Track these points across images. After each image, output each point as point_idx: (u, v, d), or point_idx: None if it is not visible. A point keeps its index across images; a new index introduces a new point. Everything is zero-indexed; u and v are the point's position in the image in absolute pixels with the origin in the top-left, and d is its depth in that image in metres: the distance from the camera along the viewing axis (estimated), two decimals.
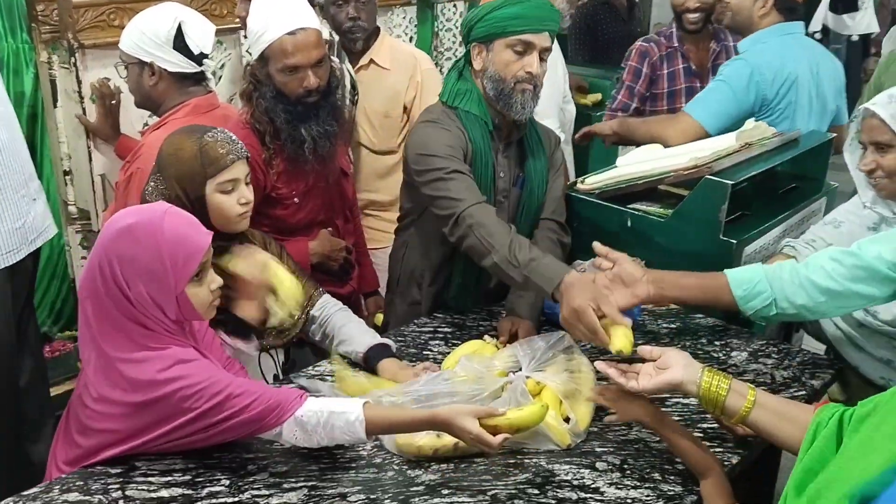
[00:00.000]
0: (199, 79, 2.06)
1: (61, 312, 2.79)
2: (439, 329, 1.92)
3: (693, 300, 1.73)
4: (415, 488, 1.37)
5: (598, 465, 1.43)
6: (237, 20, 2.54)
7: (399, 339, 1.83)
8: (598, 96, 3.62)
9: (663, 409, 1.57)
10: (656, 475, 1.40)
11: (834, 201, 2.21)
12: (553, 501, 1.34)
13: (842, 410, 1.10)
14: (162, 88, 2.02)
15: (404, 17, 3.31)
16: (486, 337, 1.79)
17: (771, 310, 1.54)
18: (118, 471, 1.38)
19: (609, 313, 1.45)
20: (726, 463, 1.43)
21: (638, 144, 2.35)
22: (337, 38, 2.47)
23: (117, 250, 1.32)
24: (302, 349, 1.95)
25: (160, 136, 1.75)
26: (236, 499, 1.34)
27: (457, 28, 3.51)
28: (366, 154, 2.60)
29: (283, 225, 2.04)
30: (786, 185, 2.26)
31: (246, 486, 1.37)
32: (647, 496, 1.35)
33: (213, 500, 1.34)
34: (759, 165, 2.04)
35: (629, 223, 2.04)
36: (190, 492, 1.35)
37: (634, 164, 2.16)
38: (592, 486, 1.38)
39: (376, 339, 1.72)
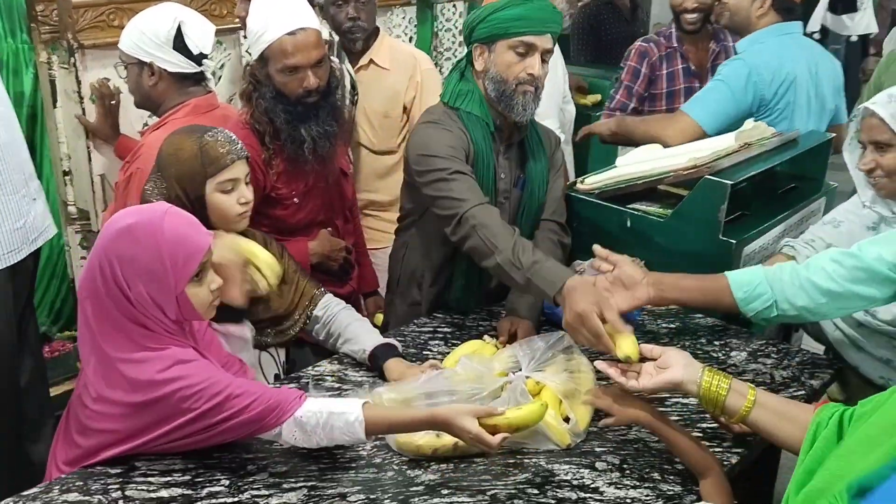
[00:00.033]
0: (198, 79, 2.06)
1: (60, 312, 2.79)
2: (439, 329, 1.92)
3: (693, 302, 1.73)
4: (414, 488, 1.37)
5: (598, 464, 1.43)
6: (237, 20, 2.54)
7: (399, 338, 1.83)
8: (598, 97, 3.63)
9: (662, 409, 1.58)
10: (656, 475, 1.41)
11: (833, 201, 2.22)
12: (553, 501, 1.34)
13: (841, 410, 1.10)
14: (161, 89, 2.02)
15: (404, 18, 3.31)
16: (485, 337, 1.79)
17: (772, 311, 1.54)
18: (118, 471, 1.38)
19: (611, 319, 1.45)
20: (726, 463, 1.43)
21: (636, 144, 2.35)
22: (337, 38, 2.47)
23: (117, 250, 1.32)
24: (302, 349, 1.95)
25: (160, 137, 1.75)
26: (236, 499, 1.34)
27: (456, 28, 3.51)
28: (365, 154, 2.60)
29: (282, 225, 2.04)
30: (785, 185, 2.26)
31: (245, 486, 1.37)
32: (647, 496, 1.35)
33: (213, 500, 1.34)
34: (759, 165, 2.04)
35: (629, 223, 2.05)
36: (189, 492, 1.35)
37: (634, 164, 2.17)
38: (592, 485, 1.38)
39: (381, 338, 1.73)
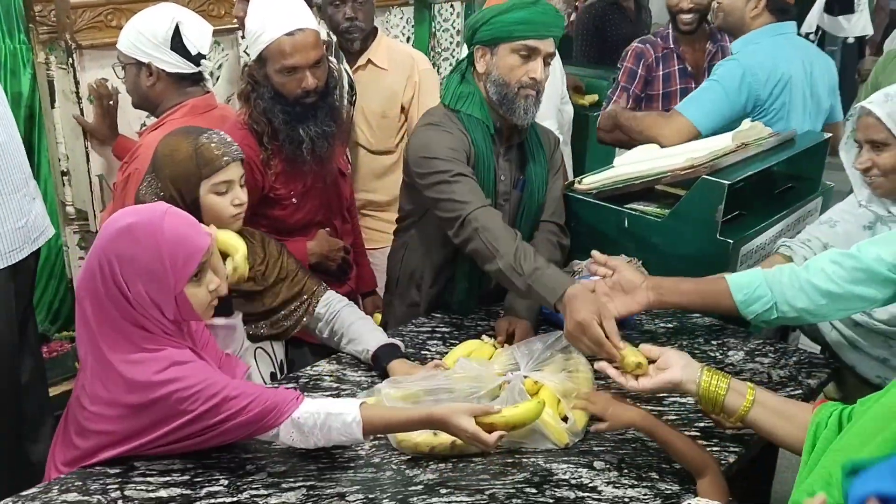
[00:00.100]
0: (196, 79, 2.06)
1: (59, 313, 2.79)
2: (437, 329, 1.92)
3: (693, 306, 1.74)
4: (413, 488, 1.38)
5: (596, 464, 1.44)
6: (235, 21, 2.54)
7: (397, 339, 1.82)
8: (595, 97, 3.63)
9: (660, 409, 1.58)
10: (654, 474, 1.41)
11: (830, 201, 2.22)
12: (551, 500, 1.35)
13: (840, 409, 1.11)
14: (159, 89, 2.02)
15: (402, 18, 3.31)
16: (483, 337, 1.79)
17: (772, 314, 1.55)
18: (117, 471, 1.38)
19: (609, 330, 1.45)
20: (723, 462, 1.43)
21: (633, 145, 2.36)
22: (334, 38, 2.47)
23: (116, 250, 1.32)
24: (300, 349, 1.95)
25: (158, 137, 1.75)
26: (235, 499, 1.34)
27: (454, 28, 3.51)
28: (363, 154, 2.61)
29: (281, 225, 2.04)
30: (782, 185, 2.27)
31: (244, 486, 1.37)
32: (645, 495, 1.36)
33: (212, 500, 1.34)
34: (756, 165, 2.05)
35: (626, 223, 2.05)
36: (189, 492, 1.35)
37: (631, 164, 2.17)
38: (590, 485, 1.38)
39: (384, 338, 1.73)
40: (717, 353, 1.79)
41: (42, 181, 2.54)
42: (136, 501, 1.32)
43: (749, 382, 1.32)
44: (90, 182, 2.42)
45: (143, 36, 1.97)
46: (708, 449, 1.44)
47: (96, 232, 2.25)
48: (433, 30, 3.45)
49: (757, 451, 1.55)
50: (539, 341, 1.64)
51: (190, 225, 1.38)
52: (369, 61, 2.56)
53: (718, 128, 2.29)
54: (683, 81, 2.83)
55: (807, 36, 4.88)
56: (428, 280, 1.97)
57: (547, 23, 1.76)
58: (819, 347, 1.94)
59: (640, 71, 2.82)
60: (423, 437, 1.44)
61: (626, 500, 1.35)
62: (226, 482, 1.38)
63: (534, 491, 1.37)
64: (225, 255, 1.59)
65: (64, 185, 2.50)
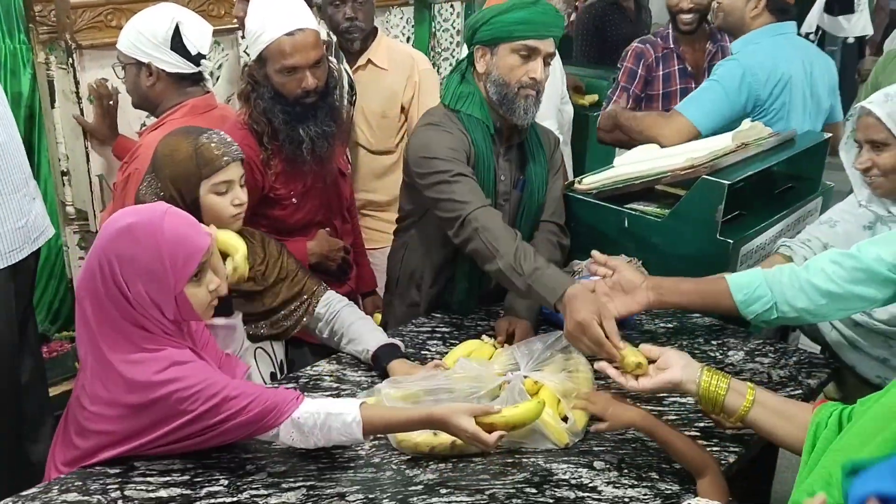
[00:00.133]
0: (196, 79, 2.06)
1: (59, 313, 2.79)
2: (437, 329, 1.92)
3: (693, 306, 1.74)
4: (413, 488, 1.38)
5: (596, 464, 1.44)
6: (235, 21, 2.54)
7: (397, 339, 1.82)
8: (595, 97, 3.63)
9: (660, 409, 1.58)
10: (654, 474, 1.41)
11: (830, 201, 2.22)
12: (551, 500, 1.35)
13: (840, 409, 1.11)
14: (159, 89, 2.02)
15: (402, 18, 3.31)
16: (483, 337, 1.79)
17: (772, 314, 1.55)
18: (117, 471, 1.38)
19: (609, 330, 1.45)
20: (723, 462, 1.43)
21: (633, 146, 2.36)
22: (334, 38, 2.48)
23: (116, 250, 1.32)
24: (300, 349, 1.95)
25: (158, 137, 1.75)
26: (235, 499, 1.34)
27: (454, 28, 3.51)
28: (363, 154, 2.61)
29: (281, 225, 2.04)
30: (782, 185, 2.27)
31: (244, 486, 1.37)
32: (645, 495, 1.36)
33: (212, 500, 1.34)
34: (756, 165, 2.05)
35: (626, 223, 2.05)
36: (188, 492, 1.35)
37: (631, 164, 2.17)
38: (590, 485, 1.38)
39: (384, 338, 1.73)
40: (717, 353, 1.79)
41: (42, 181, 2.54)
42: (136, 501, 1.32)
43: (749, 382, 1.32)
44: (90, 182, 2.42)
45: (143, 36, 1.97)
46: (708, 449, 1.44)
47: (96, 232, 2.25)
48: (433, 30, 3.45)
49: (757, 451, 1.55)
50: (539, 341, 1.64)
51: (190, 225, 1.38)
52: (369, 61, 2.56)
53: (718, 128, 2.29)
54: (683, 81, 2.84)
55: (807, 36, 4.88)
56: (428, 280, 1.97)
57: (547, 23, 1.76)
58: (819, 347, 1.94)
59: (640, 71, 2.82)
60: (423, 437, 1.44)
61: (626, 500, 1.35)
62: (226, 482, 1.38)
63: (534, 491, 1.37)
64: (225, 255, 1.59)
65: (64, 185, 2.50)
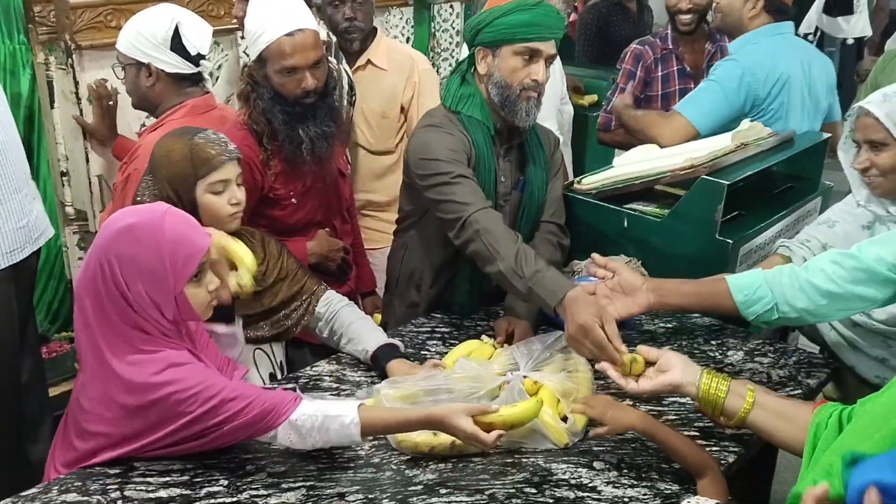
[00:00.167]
0: (196, 80, 2.06)
1: (58, 313, 2.79)
2: (437, 329, 1.92)
3: (694, 307, 1.74)
4: (413, 488, 1.38)
5: (596, 464, 1.44)
6: (234, 21, 2.54)
7: (397, 338, 1.83)
8: (595, 97, 3.63)
9: (660, 409, 1.58)
10: (653, 474, 1.41)
11: (829, 201, 2.22)
12: (551, 500, 1.35)
13: (840, 409, 1.11)
14: (159, 89, 2.02)
15: (401, 18, 3.31)
16: (483, 337, 1.80)
17: (772, 314, 1.55)
18: (116, 471, 1.38)
19: (610, 333, 1.45)
20: (723, 462, 1.43)
21: (629, 148, 2.36)
22: (334, 38, 2.48)
23: (117, 249, 1.32)
24: (300, 349, 1.95)
25: (157, 138, 1.75)
26: (234, 499, 1.34)
27: (453, 29, 3.51)
28: (363, 154, 2.61)
29: (280, 225, 2.04)
30: (781, 185, 2.28)
31: (244, 487, 1.37)
32: (644, 494, 1.36)
33: (212, 501, 1.34)
34: (755, 165, 2.05)
35: (626, 223, 2.05)
36: (188, 492, 1.35)
37: (631, 164, 2.17)
38: (590, 484, 1.38)
39: (384, 338, 1.73)
40: (717, 353, 1.80)
41: (41, 182, 2.54)
42: (135, 502, 1.32)
43: (749, 385, 1.32)
44: (90, 182, 2.42)
45: (143, 36, 1.97)
46: (707, 449, 1.44)
47: (96, 232, 2.25)
48: (432, 30, 3.45)
49: (756, 450, 1.55)
50: (538, 341, 1.65)
51: (190, 225, 1.38)
52: (369, 61, 2.56)
53: (717, 128, 2.30)
54: (682, 82, 2.84)
55: (805, 37, 4.89)
56: (427, 280, 1.97)
57: (549, 25, 1.76)
58: (818, 348, 1.94)
59: (638, 72, 2.82)
60: (422, 438, 1.44)
61: (626, 499, 1.35)
62: (225, 482, 1.38)
63: (533, 491, 1.37)
64: (233, 265, 1.60)
65: (63, 185, 2.49)
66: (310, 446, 1.39)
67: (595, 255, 1.69)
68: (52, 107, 2.41)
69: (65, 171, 2.48)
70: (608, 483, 1.39)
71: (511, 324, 1.79)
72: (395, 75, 2.56)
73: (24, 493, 1.35)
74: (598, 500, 1.35)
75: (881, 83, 2.73)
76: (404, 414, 1.40)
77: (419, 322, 1.95)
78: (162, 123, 2.00)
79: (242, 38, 2.56)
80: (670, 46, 2.83)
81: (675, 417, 1.56)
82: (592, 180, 2.15)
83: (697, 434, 1.51)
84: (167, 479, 1.37)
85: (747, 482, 1.73)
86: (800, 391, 1.66)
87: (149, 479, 1.37)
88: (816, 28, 5.22)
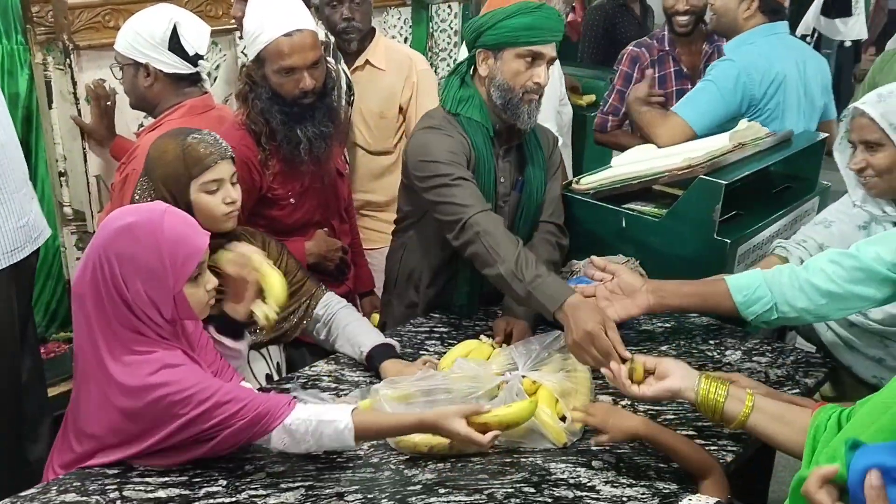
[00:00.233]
0: (194, 80, 2.06)
1: (56, 314, 2.78)
2: (435, 329, 1.93)
3: (694, 308, 1.75)
4: (412, 487, 1.38)
5: (594, 463, 1.44)
6: (232, 21, 2.54)
7: (395, 338, 1.83)
8: (593, 97, 3.64)
9: (659, 408, 1.59)
10: (652, 473, 1.41)
11: (827, 201, 2.23)
12: (549, 500, 1.35)
13: (839, 411, 1.11)
14: (157, 90, 2.02)
15: (399, 18, 3.31)
16: (482, 337, 1.80)
17: (772, 314, 1.55)
18: (115, 472, 1.38)
19: (613, 339, 1.46)
20: (721, 461, 1.43)
21: (624, 149, 2.37)
22: (332, 39, 2.48)
23: (116, 248, 1.32)
24: (299, 349, 1.95)
25: (155, 138, 1.75)
26: (233, 499, 1.34)
27: (452, 29, 3.51)
28: (361, 155, 2.61)
29: (279, 226, 2.04)
30: (779, 185, 2.28)
31: (243, 487, 1.37)
32: (643, 494, 1.36)
33: (211, 501, 1.34)
34: (753, 165, 2.06)
35: (624, 223, 2.06)
36: (187, 492, 1.35)
37: (629, 164, 2.18)
38: (588, 484, 1.39)
39: (380, 338, 1.73)
40: (715, 353, 1.80)
41: (39, 182, 2.54)
42: (134, 502, 1.32)
43: (748, 388, 1.32)
44: (88, 183, 2.41)
45: (141, 36, 1.97)
46: (705, 448, 1.44)
47: (94, 233, 2.25)
48: (430, 30, 3.45)
49: (754, 450, 1.55)
50: (537, 341, 1.65)
51: (189, 225, 1.38)
52: (367, 62, 2.56)
53: (714, 128, 2.30)
54: (679, 83, 2.84)
55: (803, 38, 4.89)
56: (426, 280, 1.97)
57: (551, 27, 1.77)
58: (814, 348, 1.94)
59: (635, 74, 2.83)
60: (421, 437, 1.44)
61: (625, 499, 1.35)
62: (224, 482, 1.38)
63: (532, 490, 1.37)
64: (261, 291, 1.62)
65: (61, 185, 2.49)
66: (303, 450, 1.39)
67: (594, 258, 1.70)
68: (50, 107, 2.41)
69: (63, 171, 2.48)
70: (607, 482, 1.39)
71: (509, 324, 1.80)
72: (394, 75, 2.56)
73: (22, 494, 1.35)
74: (597, 499, 1.35)
75: (879, 83, 2.74)
76: (397, 418, 1.40)
77: (418, 322, 1.95)
78: (160, 124, 1.99)
79: (240, 38, 2.56)
80: (667, 48, 2.84)
81: (673, 417, 1.57)
82: (590, 180, 2.15)
83: (695, 433, 1.51)
84: (166, 479, 1.37)
85: (745, 481, 1.73)
86: (798, 391, 1.67)
87: (147, 480, 1.37)
88: (814, 30, 5.23)
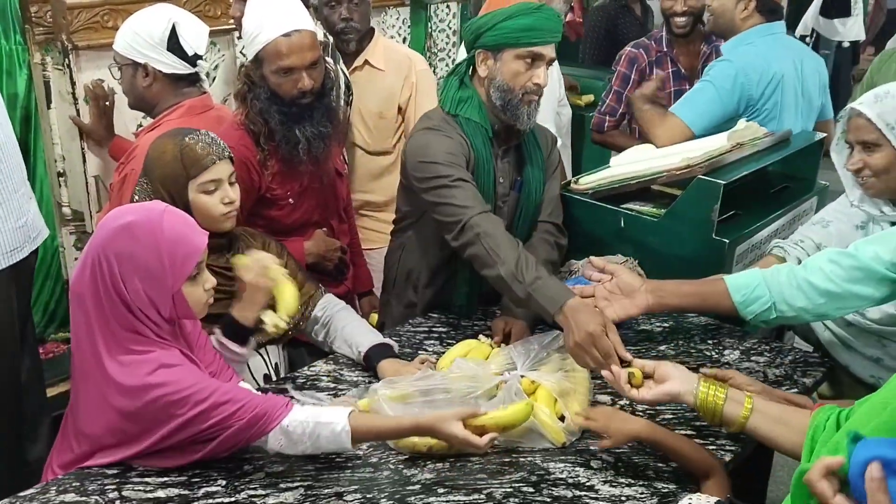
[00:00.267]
0: (193, 80, 2.06)
1: (55, 314, 2.78)
2: (434, 328, 1.93)
3: (692, 308, 1.75)
4: (411, 487, 1.38)
5: (593, 462, 1.44)
6: (231, 21, 2.54)
7: (394, 338, 1.83)
8: (591, 97, 3.64)
9: (657, 408, 1.59)
10: (650, 473, 1.42)
11: (825, 200, 2.23)
12: (548, 499, 1.35)
13: (838, 412, 1.11)
14: (156, 90, 2.02)
15: (398, 18, 3.31)
16: (480, 337, 1.80)
17: (770, 313, 1.55)
18: (115, 472, 1.38)
19: (614, 341, 1.46)
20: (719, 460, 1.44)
21: (621, 150, 2.37)
22: (331, 39, 2.48)
23: (115, 248, 1.32)
24: (298, 349, 1.95)
25: (154, 138, 1.75)
26: (233, 499, 1.35)
27: (450, 29, 3.51)
28: (360, 155, 2.61)
29: (278, 226, 2.04)
30: (777, 185, 2.28)
31: (242, 486, 1.37)
32: (642, 493, 1.36)
33: (210, 501, 1.34)
34: (751, 165, 2.06)
35: (622, 223, 2.06)
36: (186, 492, 1.35)
37: (627, 164, 2.18)
38: (587, 483, 1.39)
39: (378, 338, 1.73)
40: (713, 353, 1.80)
41: (38, 182, 2.53)
42: (133, 502, 1.32)
43: (744, 385, 1.33)
44: (86, 183, 2.41)
45: (140, 37, 1.97)
46: (705, 447, 1.44)
47: (92, 233, 2.25)
48: (429, 30, 3.46)
49: (752, 449, 1.55)
50: (536, 341, 1.65)
51: (188, 224, 1.38)
52: (366, 62, 2.56)
53: (712, 128, 2.31)
54: (677, 84, 2.84)
55: (801, 39, 4.90)
56: (424, 280, 1.97)
57: (550, 28, 1.77)
58: (811, 348, 1.95)
59: (633, 75, 2.83)
60: (420, 437, 1.44)
61: (624, 498, 1.35)
62: (224, 482, 1.38)
63: (531, 490, 1.37)
64: (273, 301, 1.62)
65: (60, 186, 2.49)
66: (300, 452, 1.39)
67: (593, 258, 1.70)
68: (48, 107, 2.41)
69: (61, 171, 2.48)
70: (606, 482, 1.39)
71: (508, 323, 1.80)
72: (393, 76, 2.56)
73: (22, 494, 1.35)
74: (596, 498, 1.35)
75: (877, 83, 2.74)
76: (394, 421, 1.40)
77: (416, 322, 1.95)
78: (159, 124, 2.00)
79: (239, 38, 2.56)
80: (665, 49, 2.84)
81: (671, 416, 1.57)
82: (589, 180, 2.15)
83: (694, 433, 1.51)
84: (165, 479, 1.37)
85: (743, 481, 1.74)
86: (796, 390, 1.67)
87: (147, 480, 1.37)
88: (812, 30, 5.24)
